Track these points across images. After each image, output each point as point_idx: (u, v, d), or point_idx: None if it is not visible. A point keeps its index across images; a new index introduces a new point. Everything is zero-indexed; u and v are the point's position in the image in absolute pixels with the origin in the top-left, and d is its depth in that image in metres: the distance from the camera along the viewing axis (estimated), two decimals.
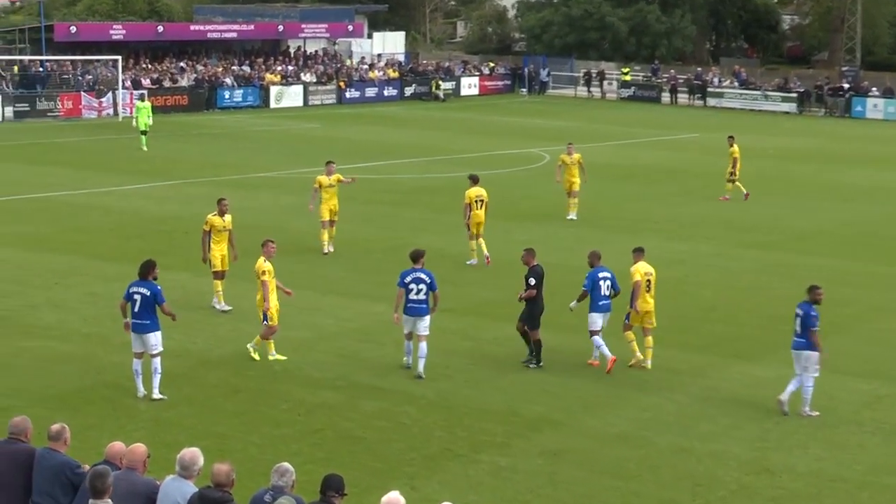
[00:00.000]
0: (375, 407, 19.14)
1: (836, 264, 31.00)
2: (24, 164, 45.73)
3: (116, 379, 19.98)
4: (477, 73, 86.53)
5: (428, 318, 20.61)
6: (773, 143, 58.00)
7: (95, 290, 26.08)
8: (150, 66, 70.43)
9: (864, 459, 17.69)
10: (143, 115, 50.25)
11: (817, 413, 19.23)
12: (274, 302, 21.15)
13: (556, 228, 34.72)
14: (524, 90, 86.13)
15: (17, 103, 61.54)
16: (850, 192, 44.15)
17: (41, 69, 65.59)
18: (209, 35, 75.20)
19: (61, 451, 12.20)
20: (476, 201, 29.39)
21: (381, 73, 79.85)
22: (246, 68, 73.47)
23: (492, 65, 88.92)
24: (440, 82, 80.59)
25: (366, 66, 79.81)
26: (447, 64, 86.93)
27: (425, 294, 20.58)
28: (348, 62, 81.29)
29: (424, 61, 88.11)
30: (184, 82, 69.15)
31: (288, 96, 72.50)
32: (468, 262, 29.48)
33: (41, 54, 66.29)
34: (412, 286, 20.56)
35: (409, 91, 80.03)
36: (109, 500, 11.04)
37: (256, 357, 21.29)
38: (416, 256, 20.97)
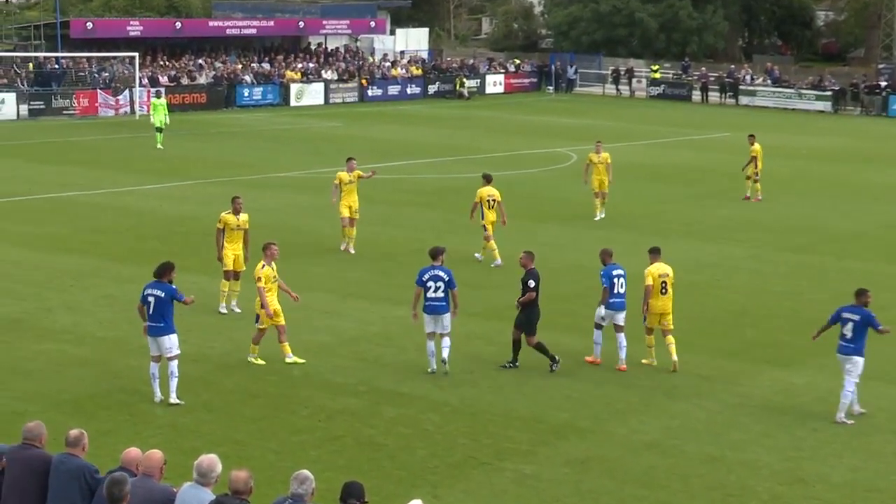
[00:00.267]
0: (397, 413, 18.90)
1: (872, 268, 30.41)
2: (39, 163, 45.54)
3: (133, 383, 19.80)
4: (502, 71, 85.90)
5: (448, 315, 20.59)
6: (806, 143, 57.45)
7: (111, 292, 25.85)
8: (167, 63, 70.11)
9: None
10: (160, 112, 50.08)
11: (853, 421, 18.91)
12: (276, 306, 20.75)
13: (583, 230, 34.27)
14: (551, 88, 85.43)
15: (33, 101, 61.13)
16: (887, 194, 43.39)
17: (57, 66, 65.30)
18: (228, 31, 74.80)
19: (80, 457, 12.10)
20: (488, 200, 29.06)
21: (404, 70, 79.55)
22: (266, 65, 73.12)
23: (517, 62, 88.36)
24: (464, 80, 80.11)
25: (388, 64, 79.52)
26: (472, 61, 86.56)
27: (443, 292, 20.54)
28: (370, 59, 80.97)
29: (448, 58, 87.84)
30: (202, 80, 68.84)
31: (308, 94, 72.18)
32: (475, 255, 29.56)
33: (57, 51, 65.87)
34: (430, 284, 20.55)
35: (432, 89, 79.63)
36: None
37: (261, 361, 21.00)
38: (436, 253, 20.92)
